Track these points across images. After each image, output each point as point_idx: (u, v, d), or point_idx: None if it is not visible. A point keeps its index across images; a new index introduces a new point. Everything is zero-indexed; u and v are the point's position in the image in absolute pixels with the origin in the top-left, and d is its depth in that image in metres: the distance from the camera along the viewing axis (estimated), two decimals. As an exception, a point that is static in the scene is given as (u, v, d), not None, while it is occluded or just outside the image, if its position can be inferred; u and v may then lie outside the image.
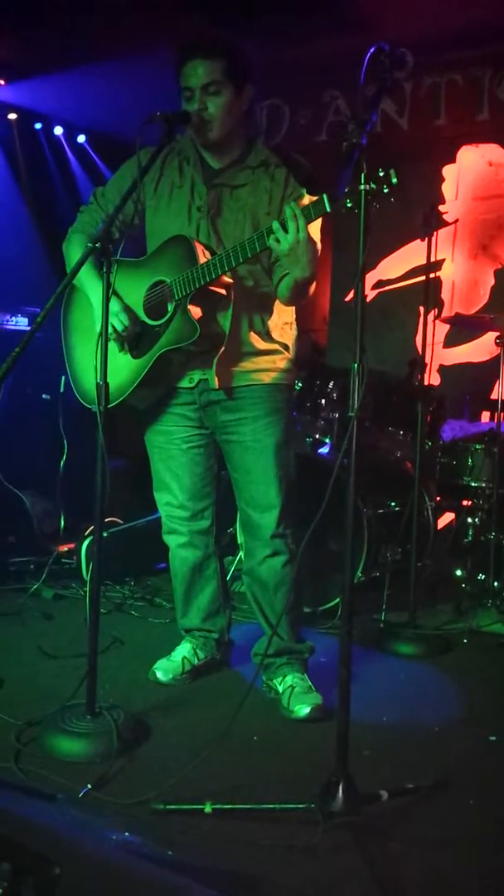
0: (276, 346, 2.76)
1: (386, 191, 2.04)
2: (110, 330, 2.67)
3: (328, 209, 2.28)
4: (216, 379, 2.67)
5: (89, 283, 2.74)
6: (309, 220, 2.36)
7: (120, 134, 5.66)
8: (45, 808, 1.93)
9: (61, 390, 3.87)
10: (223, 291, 2.62)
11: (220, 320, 2.66)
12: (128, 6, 4.52)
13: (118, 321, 2.65)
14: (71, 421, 4.28)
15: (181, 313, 2.60)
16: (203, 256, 2.56)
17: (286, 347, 2.79)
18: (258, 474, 2.75)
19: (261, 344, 2.73)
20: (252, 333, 2.71)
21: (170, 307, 2.64)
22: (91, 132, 6.21)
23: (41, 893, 1.42)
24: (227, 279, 2.60)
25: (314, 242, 2.43)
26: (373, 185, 2.03)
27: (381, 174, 2.04)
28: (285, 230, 2.36)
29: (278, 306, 2.75)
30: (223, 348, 2.65)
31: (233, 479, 2.84)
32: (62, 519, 4.22)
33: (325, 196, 2.28)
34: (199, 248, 2.58)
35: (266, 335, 2.74)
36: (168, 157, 2.75)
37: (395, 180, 2.04)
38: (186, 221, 2.70)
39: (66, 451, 4.17)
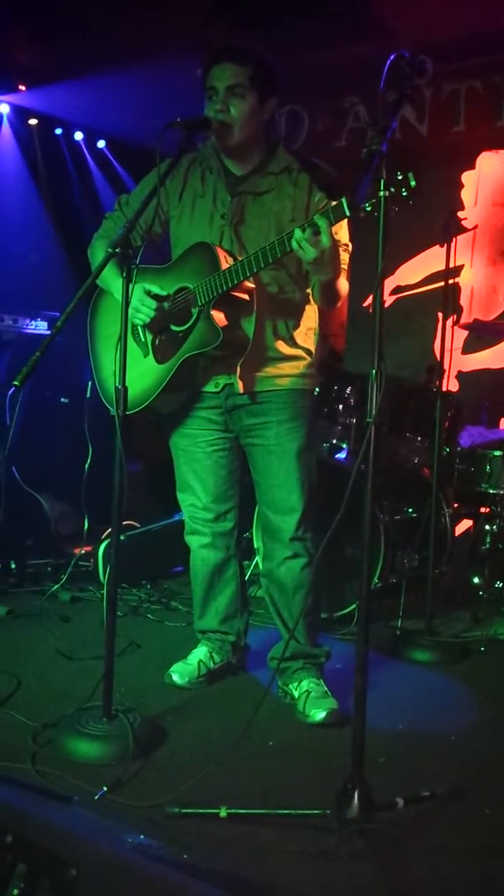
0: (300, 352, 2.78)
1: (405, 194, 2.04)
2: (137, 322, 2.69)
3: (347, 213, 2.28)
4: (240, 383, 2.68)
5: (114, 284, 2.76)
6: (330, 226, 2.35)
7: (140, 139, 5.69)
8: (61, 809, 1.95)
9: (87, 395, 3.89)
10: (246, 297, 2.63)
11: (243, 326, 2.67)
12: (148, 13, 4.55)
13: (144, 308, 2.67)
14: (96, 425, 4.29)
15: (204, 319, 2.61)
16: (225, 262, 2.57)
17: (309, 353, 2.80)
18: (281, 478, 2.76)
19: (285, 349, 2.74)
20: (276, 339, 2.73)
21: (193, 312, 2.65)
22: (111, 137, 6.24)
23: (57, 895, 1.43)
24: (250, 284, 2.61)
25: (336, 244, 2.44)
26: (391, 189, 2.04)
27: (400, 177, 2.04)
28: (311, 243, 2.35)
29: (304, 312, 2.77)
30: (247, 353, 2.66)
31: (255, 482, 2.85)
32: (86, 522, 4.22)
33: (343, 200, 2.28)
34: (222, 254, 2.59)
35: (290, 340, 2.75)
36: (191, 166, 2.77)
37: (413, 183, 2.04)
38: (209, 229, 2.72)
39: (90, 455, 4.17)
